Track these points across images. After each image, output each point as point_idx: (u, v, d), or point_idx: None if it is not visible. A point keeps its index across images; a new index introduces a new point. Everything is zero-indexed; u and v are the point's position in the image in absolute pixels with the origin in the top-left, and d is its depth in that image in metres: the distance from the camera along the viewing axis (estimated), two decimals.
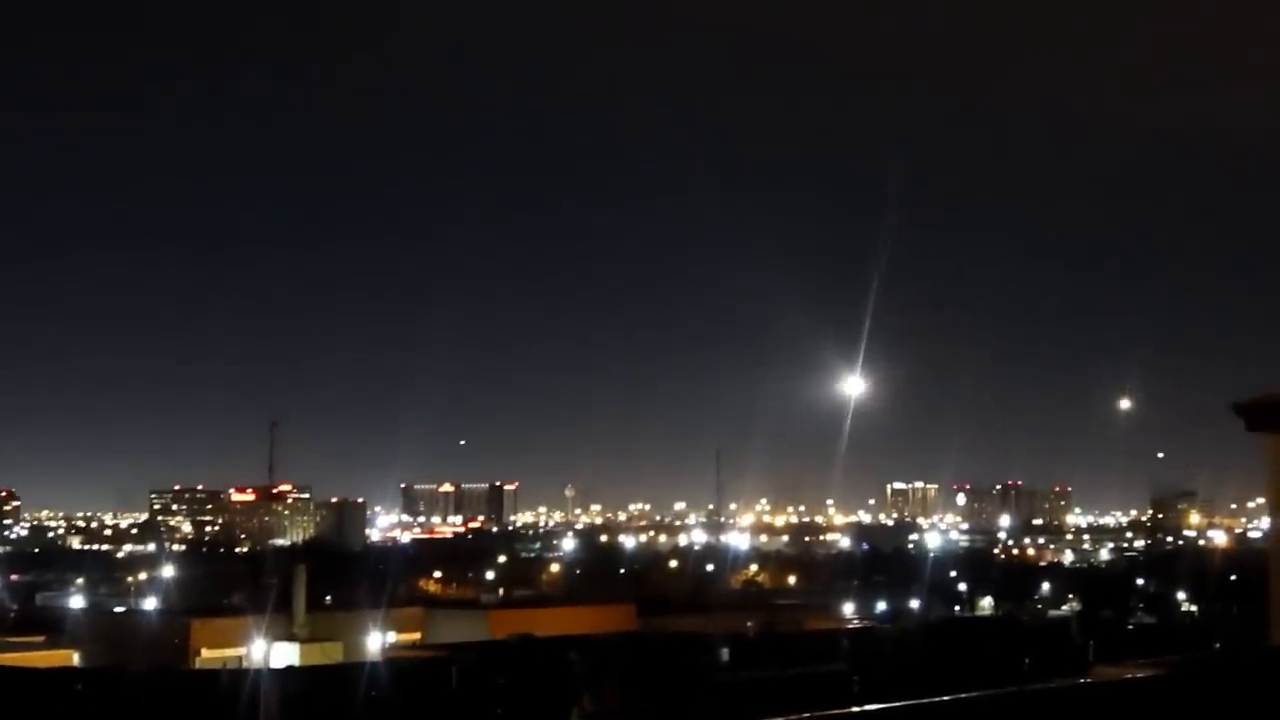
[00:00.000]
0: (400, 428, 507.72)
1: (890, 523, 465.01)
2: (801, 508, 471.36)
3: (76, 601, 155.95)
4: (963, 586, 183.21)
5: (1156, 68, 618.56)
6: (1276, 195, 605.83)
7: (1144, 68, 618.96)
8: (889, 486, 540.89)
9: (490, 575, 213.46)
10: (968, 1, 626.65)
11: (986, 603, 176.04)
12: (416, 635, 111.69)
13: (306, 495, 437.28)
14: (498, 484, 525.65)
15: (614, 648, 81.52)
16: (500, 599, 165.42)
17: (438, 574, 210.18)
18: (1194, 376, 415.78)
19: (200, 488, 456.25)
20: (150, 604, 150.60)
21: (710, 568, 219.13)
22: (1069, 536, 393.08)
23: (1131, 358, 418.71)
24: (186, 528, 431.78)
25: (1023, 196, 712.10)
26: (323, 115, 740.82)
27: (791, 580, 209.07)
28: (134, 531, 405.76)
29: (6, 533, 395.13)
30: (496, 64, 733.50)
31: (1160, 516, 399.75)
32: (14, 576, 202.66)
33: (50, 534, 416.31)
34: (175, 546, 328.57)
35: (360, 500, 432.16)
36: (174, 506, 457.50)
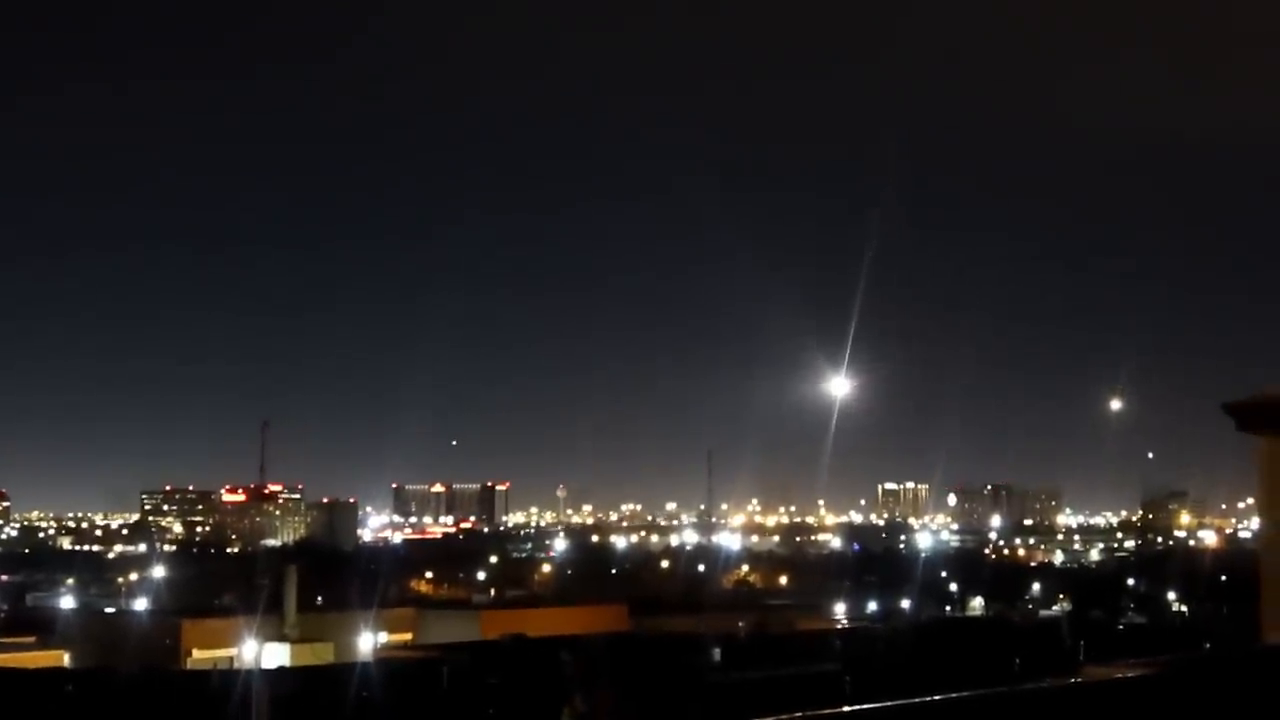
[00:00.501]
0: (391, 428, 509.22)
1: (881, 523, 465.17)
2: (793, 508, 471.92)
3: (67, 602, 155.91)
4: (954, 587, 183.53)
5: (1154, 67, 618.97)
6: (1268, 195, 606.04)
7: (1141, 67, 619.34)
8: (880, 487, 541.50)
9: (482, 575, 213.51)
10: (968, 2, 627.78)
11: (977, 603, 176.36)
12: (408, 636, 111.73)
13: (298, 495, 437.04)
14: (489, 484, 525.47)
15: (606, 648, 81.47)
16: (492, 599, 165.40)
17: (429, 574, 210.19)
18: (1185, 377, 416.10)
19: (191, 488, 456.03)
20: (141, 604, 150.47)
21: (702, 568, 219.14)
22: (1060, 537, 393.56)
23: (1122, 358, 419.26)
24: (177, 528, 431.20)
25: (1016, 197, 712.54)
26: (319, 114, 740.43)
27: (783, 580, 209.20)
28: (125, 532, 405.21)
29: None
30: (494, 62, 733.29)
31: (1151, 517, 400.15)
32: (4, 577, 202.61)
33: (41, 534, 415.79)
34: (166, 547, 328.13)
35: (352, 500, 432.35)
36: (165, 507, 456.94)
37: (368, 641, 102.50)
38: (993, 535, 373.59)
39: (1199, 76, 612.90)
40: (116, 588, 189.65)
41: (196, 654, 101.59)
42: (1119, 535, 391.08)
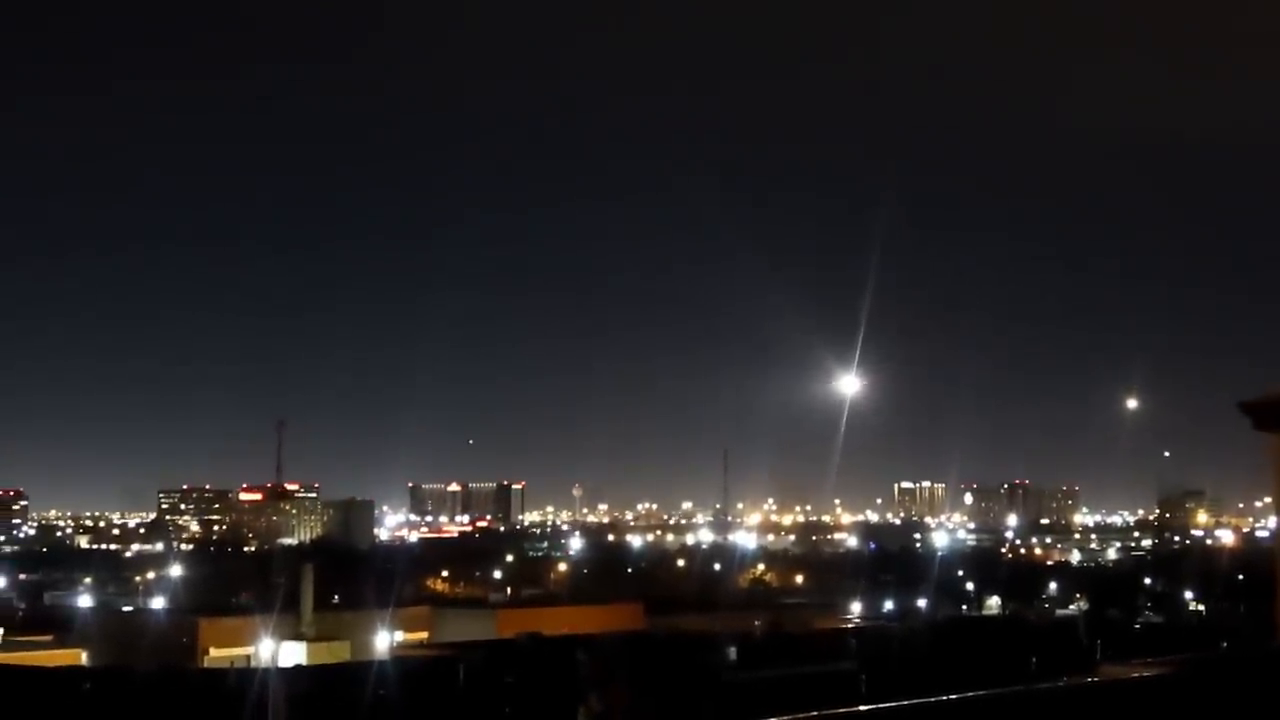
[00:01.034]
0: (408, 427, 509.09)
1: (897, 522, 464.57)
2: (808, 507, 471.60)
3: (84, 601, 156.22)
4: (970, 586, 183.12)
5: (1158, 67, 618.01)
6: None
7: (1145, 66, 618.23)
8: (896, 486, 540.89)
9: (497, 574, 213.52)
10: (968, 2, 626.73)
11: (993, 602, 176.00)
12: (424, 634, 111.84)
13: (314, 494, 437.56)
14: (505, 483, 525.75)
15: (621, 647, 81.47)
16: (507, 598, 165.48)
17: (445, 573, 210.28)
18: (1201, 375, 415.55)
19: (208, 487, 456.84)
20: (158, 603, 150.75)
21: (717, 567, 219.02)
22: (1076, 536, 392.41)
23: (1138, 357, 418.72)
24: (194, 527, 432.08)
25: (1030, 197, 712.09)
26: (328, 113, 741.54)
27: (799, 579, 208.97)
28: (142, 531, 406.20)
29: (15, 532, 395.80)
30: (501, 62, 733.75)
31: (1167, 516, 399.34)
32: (22, 575, 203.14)
33: (58, 533, 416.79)
34: (183, 546, 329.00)
35: (368, 499, 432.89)
36: (182, 506, 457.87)
37: (384, 640, 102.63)
38: (1009, 534, 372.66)
39: (1203, 75, 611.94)
40: (134, 586, 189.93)
41: (213, 652, 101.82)
42: (1136, 534, 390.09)
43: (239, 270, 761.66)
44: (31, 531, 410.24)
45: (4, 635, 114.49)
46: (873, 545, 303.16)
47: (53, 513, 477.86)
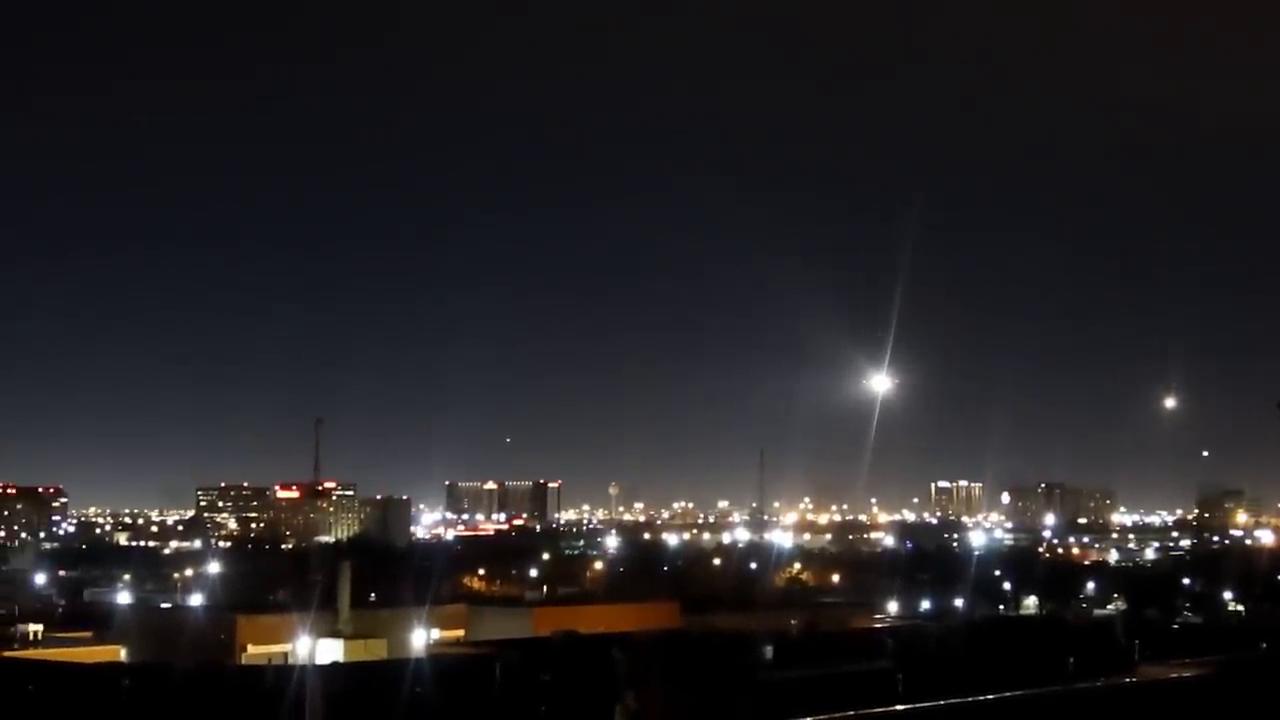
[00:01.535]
0: (445, 426, 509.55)
1: (934, 521, 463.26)
2: (845, 506, 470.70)
3: (124, 597, 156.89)
4: (1007, 585, 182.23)
5: (1202, 66, 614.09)
6: None
7: (1189, 66, 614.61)
8: (933, 485, 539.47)
9: (534, 573, 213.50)
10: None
11: (1031, 602, 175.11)
12: (460, 632, 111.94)
13: (351, 492, 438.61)
14: (541, 482, 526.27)
15: (657, 645, 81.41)
16: (544, 596, 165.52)
17: (481, 571, 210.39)
18: (1240, 375, 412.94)
19: (246, 485, 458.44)
20: (196, 600, 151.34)
21: (753, 566, 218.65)
22: (1114, 535, 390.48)
23: (1177, 357, 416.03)
24: (232, 524, 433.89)
25: (1068, 198, 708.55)
26: (369, 111, 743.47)
27: (835, 578, 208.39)
28: (180, 528, 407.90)
29: (55, 529, 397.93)
30: (535, 56, 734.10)
31: (1206, 516, 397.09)
32: (62, 572, 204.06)
33: (98, 530, 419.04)
34: (221, 543, 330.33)
35: (405, 497, 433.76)
36: (220, 503, 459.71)
37: (420, 638, 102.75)
38: (1046, 534, 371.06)
39: (1237, 72, 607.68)
40: (172, 583, 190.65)
41: (251, 649, 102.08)
42: (1174, 534, 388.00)
43: (280, 270, 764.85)
44: (71, 528, 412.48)
45: (44, 632, 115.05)
46: (909, 545, 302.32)
47: (92, 510, 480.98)
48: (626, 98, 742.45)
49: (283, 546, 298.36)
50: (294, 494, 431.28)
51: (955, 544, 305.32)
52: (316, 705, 62.65)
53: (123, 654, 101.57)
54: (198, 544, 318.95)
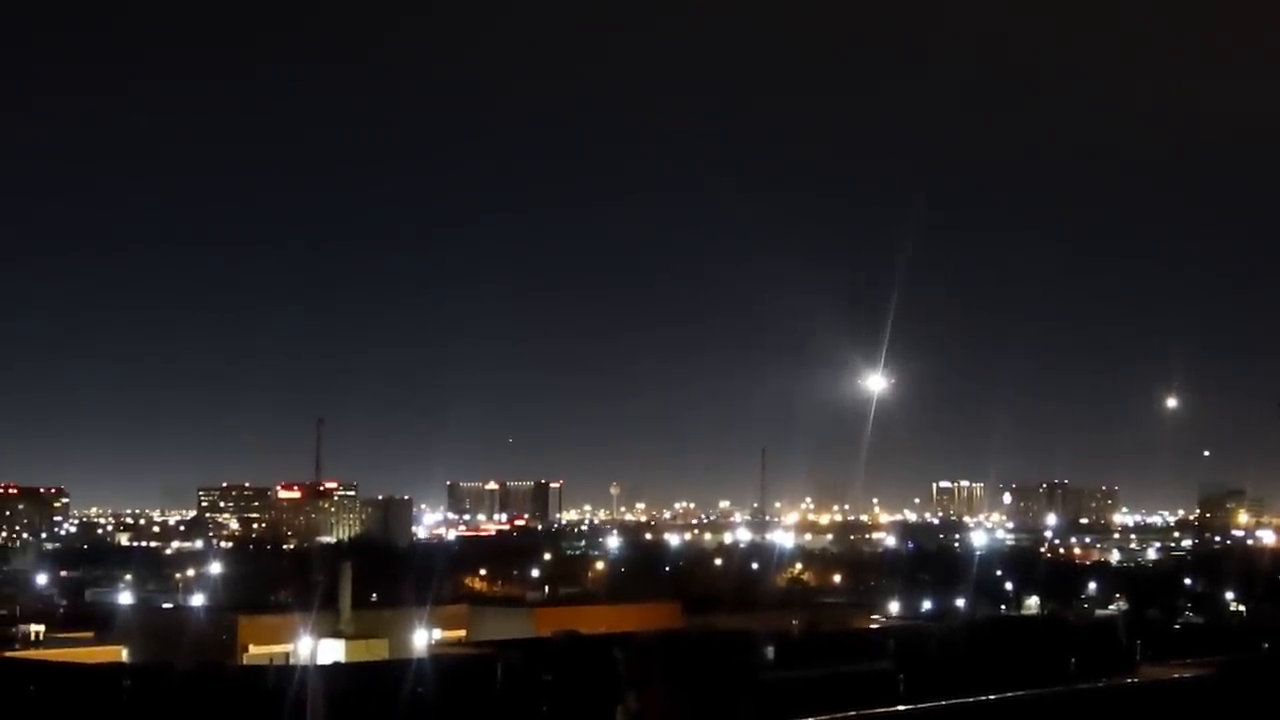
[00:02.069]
0: (446, 426, 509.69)
1: (936, 521, 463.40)
2: (846, 506, 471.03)
3: (125, 598, 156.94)
4: (1009, 585, 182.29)
5: (1202, 66, 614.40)
6: None
7: (1189, 66, 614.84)
8: (934, 485, 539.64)
9: (535, 573, 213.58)
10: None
11: (1032, 602, 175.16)
12: (462, 632, 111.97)
13: (352, 492, 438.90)
14: (543, 482, 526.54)
15: (659, 646, 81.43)
16: (545, 597, 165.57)
17: (483, 571, 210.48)
18: (1242, 375, 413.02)
19: (247, 485, 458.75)
20: (198, 600, 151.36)
21: (755, 566, 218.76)
22: (1116, 536, 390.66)
23: (1179, 356, 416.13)
24: (234, 524, 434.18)
25: (1069, 197, 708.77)
26: (366, 109, 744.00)
27: (836, 579, 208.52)
28: (182, 528, 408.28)
29: (56, 529, 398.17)
30: (535, 56, 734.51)
31: (1208, 516, 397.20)
32: (63, 572, 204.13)
33: (99, 530, 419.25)
34: (222, 543, 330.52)
35: (406, 497, 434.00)
36: (221, 503, 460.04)
37: (422, 638, 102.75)
38: (1048, 534, 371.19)
39: (1243, 72, 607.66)
40: (174, 583, 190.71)
41: (252, 650, 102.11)
42: (1176, 534, 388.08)
43: (280, 269, 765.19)
44: (73, 529, 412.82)
45: (45, 632, 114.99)
46: (911, 545, 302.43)
47: (93, 510, 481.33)
48: (626, 97, 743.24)
49: (284, 547, 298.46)
50: (295, 494, 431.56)
51: (957, 544, 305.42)
52: (318, 705, 62.67)
53: (124, 654, 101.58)
54: (199, 544, 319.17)
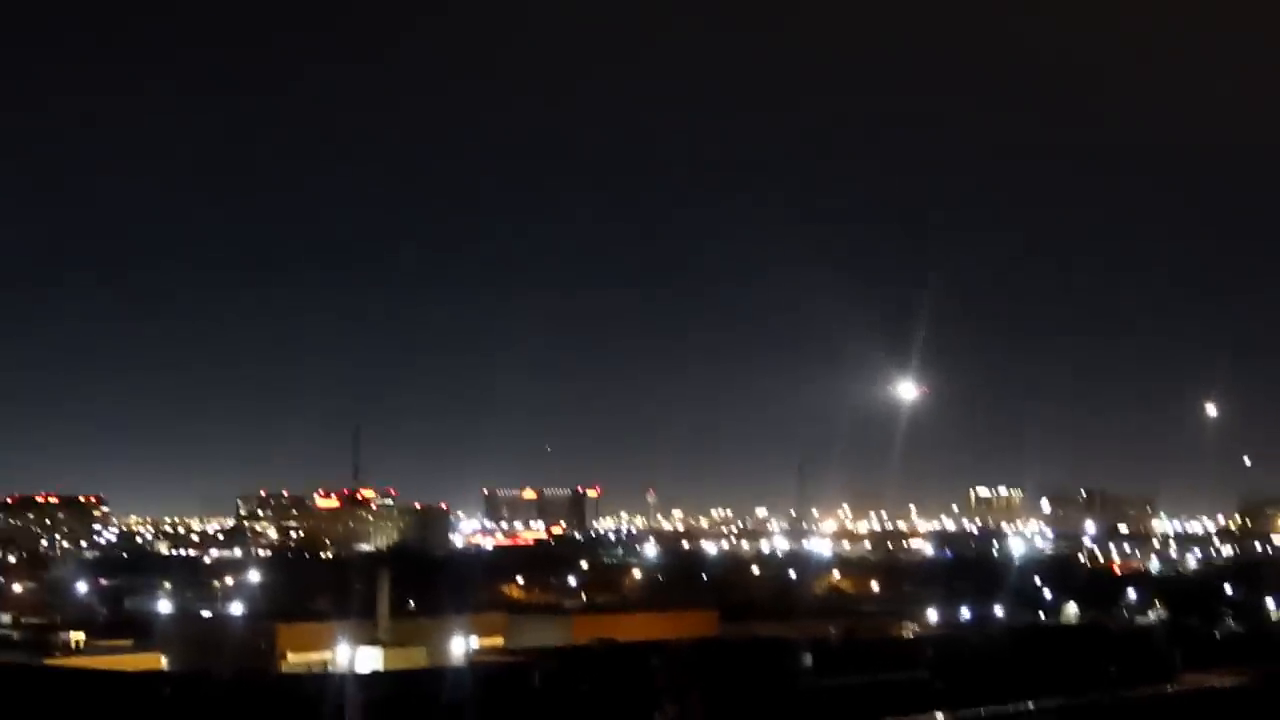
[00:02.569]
0: (483, 434, 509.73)
1: (974, 529, 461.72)
2: (884, 514, 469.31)
3: (164, 606, 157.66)
4: (1047, 593, 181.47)
5: (1233, 66, 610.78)
6: None
7: (1220, 65, 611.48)
8: (972, 492, 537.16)
9: (572, 581, 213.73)
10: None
11: (1071, 610, 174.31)
12: (499, 640, 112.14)
13: (390, 501, 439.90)
14: (580, 489, 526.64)
15: (696, 654, 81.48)
16: (582, 605, 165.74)
17: (520, 579, 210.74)
18: None
19: (286, 493, 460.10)
20: (237, 608, 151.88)
21: (792, 574, 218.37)
22: (1155, 543, 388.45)
23: (1219, 362, 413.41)
24: (272, 533, 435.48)
25: (1113, 202, 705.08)
26: (405, 111, 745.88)
27: (874, 587, 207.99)
28: (220, 536, 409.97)
29: (96, 537, 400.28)
30: (592, 54, 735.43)
31: (1248, 523, 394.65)
32: (103, 581, 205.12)
33: (139, 539, 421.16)
34: (261, 551, 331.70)
35: (443, 506, 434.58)
36: (260, 512, 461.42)
37: (459, 646, 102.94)
38: (1087, 541, 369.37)
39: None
40: (212, 592, 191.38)
41: (291, 657, 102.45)
42: (1216, 541, 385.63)
43: (318, 276, 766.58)
44: (112, 537, 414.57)
45: (85, 640, 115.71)
46: (949, 552, 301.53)
47: (133, 518, 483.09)
48: (665, 99, 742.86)
49: (322, 555, 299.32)
50: (333, 503, 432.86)
51: (995, 551, 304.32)
52: (356, 713, 62.92)
53: (164, 662, 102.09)
54: (238, 553, 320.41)
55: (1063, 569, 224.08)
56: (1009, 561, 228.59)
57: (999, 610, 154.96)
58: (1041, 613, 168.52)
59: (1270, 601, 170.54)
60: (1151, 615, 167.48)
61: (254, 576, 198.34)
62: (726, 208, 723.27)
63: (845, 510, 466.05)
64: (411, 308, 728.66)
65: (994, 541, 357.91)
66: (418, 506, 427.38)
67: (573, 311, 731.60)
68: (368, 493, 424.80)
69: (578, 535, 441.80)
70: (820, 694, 72.78)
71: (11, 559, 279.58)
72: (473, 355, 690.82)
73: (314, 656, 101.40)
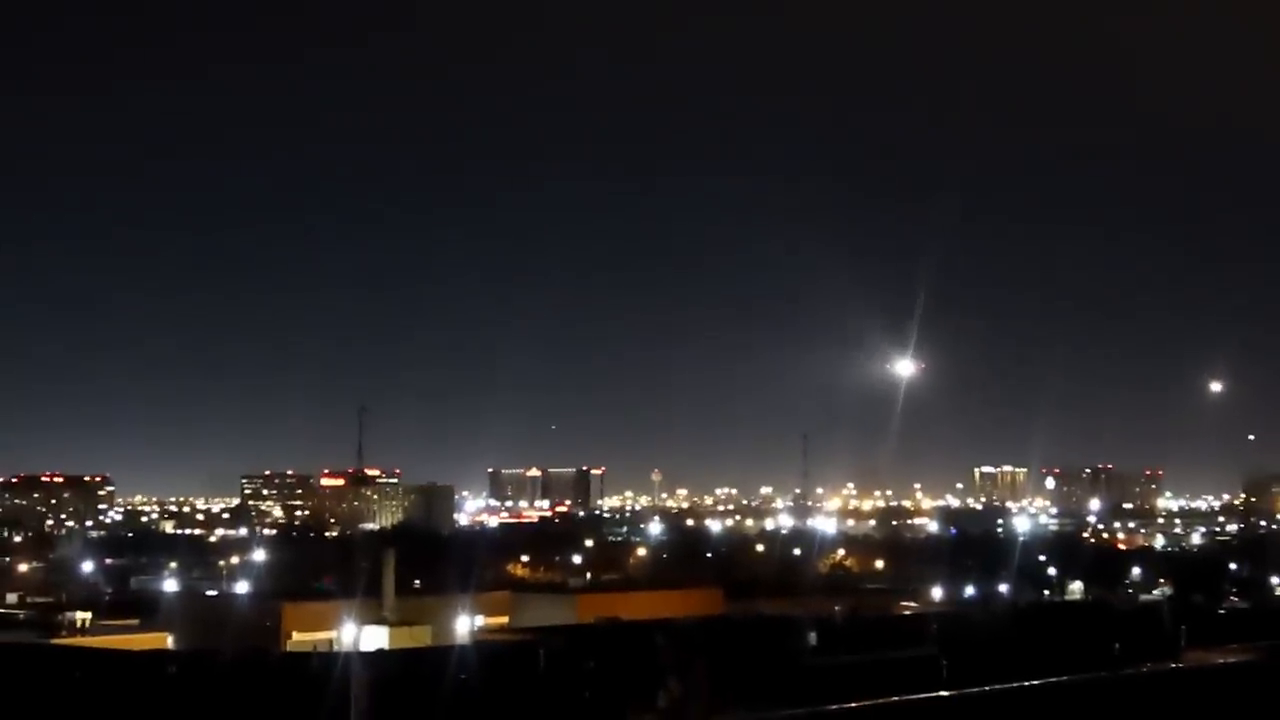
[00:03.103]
0: (488, 412, 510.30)
1: (979, 506, 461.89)
2: (889, 492, 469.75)
3: (170, 585, 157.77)
4: (1052, 570, 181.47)
5: (1245, 51, 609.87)
6: None
7: (1231, 50, 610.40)
8: (977, 470, 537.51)
9: (577, 559, 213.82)
10: None
11: (1076, 587, 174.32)
12: (504, 619, 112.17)
13: (395, 480, 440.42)
14: (584, 468, 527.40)
15: (701, 632, 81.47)
16: (587, 583, 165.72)
17: (525, 558, 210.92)
18: None
19: (290, 472, 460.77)
20: (242, 588, 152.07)
21: (797, 552, 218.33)
22: (1160, 520, 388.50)
23: (1223, 339, 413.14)
24: (277, 512, 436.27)
25: (1115, 180, 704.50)
26: (406, 88, 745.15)
27: (879, 564, 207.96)
28: (226, 516, 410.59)
29: (102, 517, 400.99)
30: (594, 33, 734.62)
31: (1253, 500, 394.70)
32: (109, 560, 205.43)
33: (144, 518, 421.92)
34: (266, 531, 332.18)
35: (448, 484, 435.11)
36: (264, 491, 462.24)
37: (464, 624, 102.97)
38: (1091, 518, 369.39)
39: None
40: (218, 571, 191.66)
41: (296, 636, 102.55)
42: (1220, 518, 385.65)
43: (324, 255, 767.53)
44: (118, 517, 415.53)
45: (92, 619, 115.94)
46: (953, 530, 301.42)
47: (138, 498, 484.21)
48: (672, 79, 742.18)
49: (327, 534, 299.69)
50: (338, 482, 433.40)
51: (1000, 529, 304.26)
52: (362, 691, 62.92)
53: (169, 641, 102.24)
54: (243, 532, 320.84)
55: (1068, 546, 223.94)
56: (1014, 539, 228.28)
57: (1004, 588, 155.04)
58: (1046, 590, 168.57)
59: (1275, 578, 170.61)
60: (1156, 592, 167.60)
61: (259, 556, 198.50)
62: (734, 187, 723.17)
63: (850, 488, 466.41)
64: (417, 287, 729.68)
65: (999, 519, 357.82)
66: (423, 485, 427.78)
67: (578, 291, 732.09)
68: (372, 472, 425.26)
69: (582, 514, 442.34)
70: (824, 672, 72.78)
71: (17, 539, 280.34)
72: (478, 335, 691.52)
73: (319, 635, 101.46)
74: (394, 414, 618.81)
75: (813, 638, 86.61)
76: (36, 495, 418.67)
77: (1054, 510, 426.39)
